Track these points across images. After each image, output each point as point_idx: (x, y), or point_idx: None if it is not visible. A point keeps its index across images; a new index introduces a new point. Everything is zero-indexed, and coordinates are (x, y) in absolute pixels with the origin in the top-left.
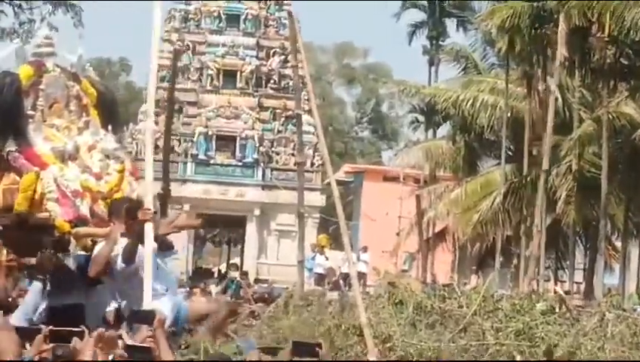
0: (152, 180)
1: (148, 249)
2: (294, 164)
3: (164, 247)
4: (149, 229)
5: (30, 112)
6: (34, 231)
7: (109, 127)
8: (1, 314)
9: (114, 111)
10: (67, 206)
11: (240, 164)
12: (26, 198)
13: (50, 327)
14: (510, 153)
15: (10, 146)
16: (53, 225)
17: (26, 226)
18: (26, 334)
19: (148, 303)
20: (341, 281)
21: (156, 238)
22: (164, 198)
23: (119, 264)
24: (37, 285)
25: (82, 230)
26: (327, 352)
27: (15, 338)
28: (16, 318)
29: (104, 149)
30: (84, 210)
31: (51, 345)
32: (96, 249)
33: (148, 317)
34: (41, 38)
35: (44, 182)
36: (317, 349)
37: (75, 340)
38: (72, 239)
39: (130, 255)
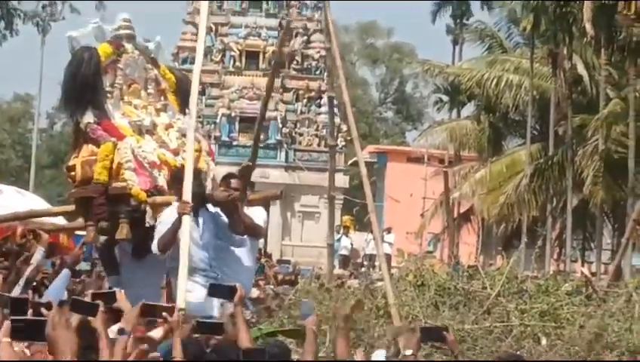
0: (192, 168)
1: (184, 245)
2: (318, 145)
3: (254, 235)
4: (185, 223)
5: (109, 89)
6: (111, 200)
7: (187, 112)
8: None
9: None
10: (144, 176)
11: (263, 145)
12: (104, 168)
13: (144, 302)
14: (535, 133)
15: (89, 119)
16: (129, 194)
17: (104, 196)
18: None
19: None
20: (365, 263)
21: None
22: (248, 172)
23: (154, 248)
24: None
25: (159, 198)
26: (454, 338)
27: (73, 338)
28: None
29: (181, 128)
30: (161, 182)
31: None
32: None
33: (228, 292)
34: (119, 21)
35: (122, 152)
36: (444, 333)
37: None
38: (148, 209)
39: (166, 241)
